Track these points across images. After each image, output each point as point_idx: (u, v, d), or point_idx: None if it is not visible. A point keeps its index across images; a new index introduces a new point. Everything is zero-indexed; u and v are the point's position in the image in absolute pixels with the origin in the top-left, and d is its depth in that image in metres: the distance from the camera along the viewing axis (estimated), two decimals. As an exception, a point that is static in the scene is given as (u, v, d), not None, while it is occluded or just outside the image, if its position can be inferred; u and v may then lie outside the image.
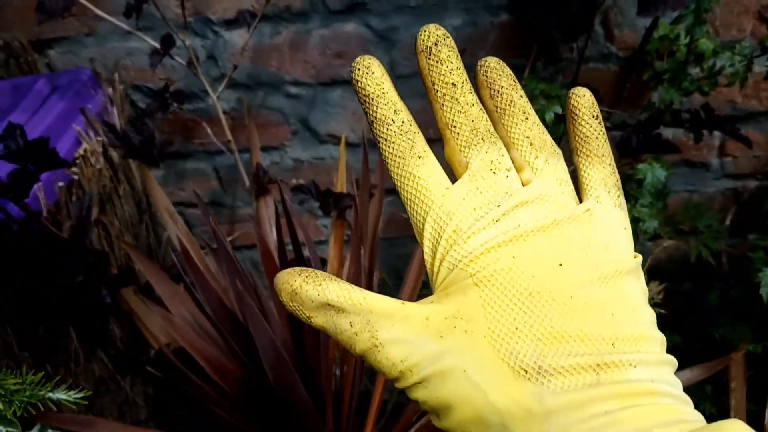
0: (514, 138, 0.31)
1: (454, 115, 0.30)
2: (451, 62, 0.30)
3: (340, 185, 1.05)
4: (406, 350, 0.28)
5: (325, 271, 1.01)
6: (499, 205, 0.29)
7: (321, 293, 0.29)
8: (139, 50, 1.06)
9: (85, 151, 0.89)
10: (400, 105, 0.31)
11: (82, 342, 0.85)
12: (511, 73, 0.32)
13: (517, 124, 0.31)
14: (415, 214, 0.30)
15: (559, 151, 0.32)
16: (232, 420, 0.87)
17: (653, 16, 0.80)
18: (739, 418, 0.91)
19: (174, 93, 0.98)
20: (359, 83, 0.30)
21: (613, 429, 0.25)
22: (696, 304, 1.21)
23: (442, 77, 0.30)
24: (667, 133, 1.01)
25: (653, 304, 0.97)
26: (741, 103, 1.04)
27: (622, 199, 0.32)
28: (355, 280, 0.88)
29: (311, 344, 0.78)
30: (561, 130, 0.91)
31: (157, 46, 0.94)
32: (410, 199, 0.30)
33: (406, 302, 0.29)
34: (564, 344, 0.27)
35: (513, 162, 0.30)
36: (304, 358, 0.80)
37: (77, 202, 0.75)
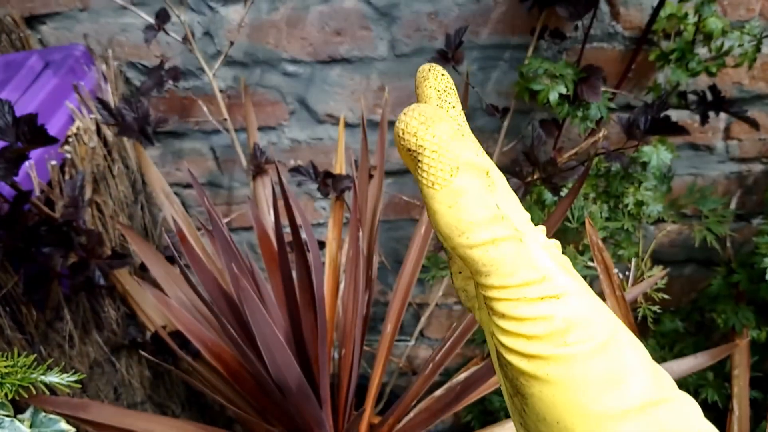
0: None
1: None
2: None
3: (339, 166, 1.03)
4: None
5: (324, 254, 1.00)
6: None
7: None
8: (134, 26, 1.03)
9: (78, 129, 0.87)
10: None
11: (76, 324, 0.83)
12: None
13: None
14: None
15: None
16: (228, 403, 0.86)
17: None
18: (742, 405, 0.89)
19: (169, 70, 0.95)
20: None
21: None
22: (698, 290, 1.20)
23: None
24: (672, 115, 0.99)
25: (656, 289, 0.95)
26: (748, 85, 1.02)
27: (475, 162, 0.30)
28: (353, 262, 0.86)
29: (309, 327, 0.77)
30: (565, 111, 0.89)
31: (152, 21, 0.91)
32: None
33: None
34: None
35: None
36: (301, 342, 0.79)
37: (70, 181, 0.73)
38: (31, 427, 0.64)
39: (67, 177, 0.83)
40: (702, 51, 0.90)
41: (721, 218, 1.00)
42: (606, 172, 0.98)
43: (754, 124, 0.87)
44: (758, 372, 1.04)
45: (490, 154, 1.10)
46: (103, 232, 0.92)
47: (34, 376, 0.58)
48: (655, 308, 0.96)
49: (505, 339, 0.25)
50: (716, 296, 1.03)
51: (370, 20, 1.00)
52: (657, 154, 0.91)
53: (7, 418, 0.59)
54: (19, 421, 0.62)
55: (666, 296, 0.96)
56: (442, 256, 1.10)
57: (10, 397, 0.59)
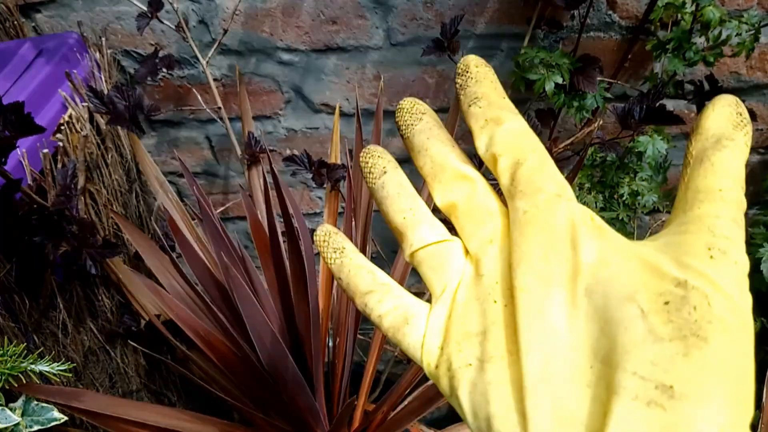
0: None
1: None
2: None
3: (334, 156, 1.03)
4: None
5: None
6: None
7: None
8: (129, 14, 1.03)
9: (70, 117, 0.87)
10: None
11: (69, 312, 0.83)
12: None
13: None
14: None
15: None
16: (223, 393, 0.86)
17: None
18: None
19: (163, 58, 0.95)
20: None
21: None
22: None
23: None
24: (668, 105, 0.99)
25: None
26: (746, 75, 1.01)
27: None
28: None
29: (302, 317, 0.77)
30: (561, 101, 0.89)
31: (146, 9, 0.91)
32: None
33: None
34: None
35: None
36: (294, 331, 0.79)
37: (61, 169, 0.73)
38: (23, 415, 0.64)
39: (59, 165, 0.83)
40: (699, 41, 0.90)
41: (717, 209, 1.00)
42: (601, 162, 0.98)
43: (751, 115, 0.87)
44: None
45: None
46: (96, 221, 0.91)
47: (24, 364, 0.58)
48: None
49: None
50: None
51: (365, 9, 0.99)
52: (652, 143, 0.91)
53: (-3, 407, 0.60)
54: (11, 409, 0.62)
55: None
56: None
57: (0, 385, 0.59)
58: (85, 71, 0.97)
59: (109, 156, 0.95)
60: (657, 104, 0.77)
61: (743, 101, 0.87)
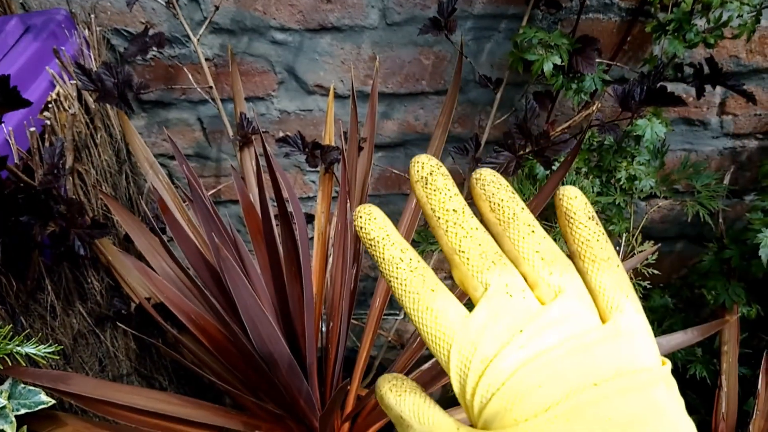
0: (523, 252, 0.31)
1: (460, 241, 0.31)
2: (449, 189, 0.31)
3: (328, 138, 1.01)
4: None
5: (313, 227, 0.99)
6: (521, 330, 0.28)
7: (398, 404, 0.31)
8: (118, -9, 1.00)
9: (58, 94, 0.85)
10: (406, 244, 0.32)
11: (58, 295, 0.82)
12: (509, 185, 0.32)
13: (524, 238, 0.31)
14: (437, 346, 0.30)
15: (569, 262, 0.31)
16: (215, 377, 0.85)
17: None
18: (731, 382, 0.89)
19: (154, 36, 0.93)
20: (363, 229, 0.32)
21: None
22: (689, 266, 1.19)
23: (442, 205, 0.31)
24: (667, 87, 0.98)
25: (646, 264, 0.95)
26: (745, 59, 1.00)
27: (638, 301, 0.31)
28: (342, 236, 0.85)
29: (295, 300, 0.76)
30: (559, 83, 0.88)
31: (135, -15, 0.88)
32: (431, 333, 0.30)
33: (461, 426, 0.29)
34: None
35: (525, 278, 0.30)
36: (287, 315, 0.78)
37: (49, 148, 0.71)
38: (9, 398, 0.63)
39: (47, 144, 0.81)
40: (700, 23, 0.88)
41: (714, 193, 0.99)
42: (599, 146, 0.97)
43: (750, 98, 0.86)
44: (747, 348, 1.04)
45: (482, 127, 1.08)
46: (85, 201, 0.90)
47: (10, 346, 0.57)
48: (645, 284, 0.95)
49: None
50: (707, 272, 1.02)
51: (360, -13, 0.97)
52: (651, 127, 0.90)
53: (-17, 389, 0.58)
54: (-3, 392, 0.61)
55: (656, 272, 0.96)
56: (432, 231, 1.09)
57: (-15, 368, 0.57)
58: (73, 49, 0.95)
59: (98, 136, 0.93)
60: (658, 85, 0.76)
61: (742, 84, 0.86)
